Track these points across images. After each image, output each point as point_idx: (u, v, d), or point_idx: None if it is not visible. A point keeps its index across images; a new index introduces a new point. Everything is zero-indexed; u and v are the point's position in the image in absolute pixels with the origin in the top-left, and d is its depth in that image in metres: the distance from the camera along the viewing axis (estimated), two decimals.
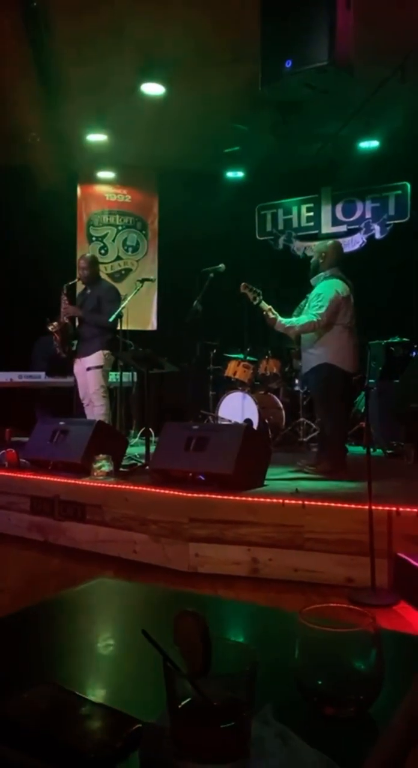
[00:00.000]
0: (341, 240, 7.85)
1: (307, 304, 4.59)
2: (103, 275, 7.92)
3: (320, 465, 4.52)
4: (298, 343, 4.77)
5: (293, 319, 4.59)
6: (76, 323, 5.63)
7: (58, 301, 5.61)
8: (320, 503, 3.43)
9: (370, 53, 4.62)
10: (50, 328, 5.55)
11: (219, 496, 3.64)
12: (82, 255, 5.84)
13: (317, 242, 5.03)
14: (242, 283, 4.71)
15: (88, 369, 5.43)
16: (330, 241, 4.92)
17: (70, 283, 5.73)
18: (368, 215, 7.85)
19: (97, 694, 0.84)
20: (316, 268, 4.62)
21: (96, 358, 5.40)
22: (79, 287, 5.97)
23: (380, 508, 3.19)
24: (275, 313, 4.58)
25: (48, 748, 0.68)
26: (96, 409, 5.42)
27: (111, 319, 5.36)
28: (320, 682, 0.73)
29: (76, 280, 5.78)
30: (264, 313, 4.59)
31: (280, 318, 4.56)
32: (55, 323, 5.56)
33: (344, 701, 0.73)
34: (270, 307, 4.58)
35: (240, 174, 7.92)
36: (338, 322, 4.44)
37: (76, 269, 5.78)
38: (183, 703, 0.62)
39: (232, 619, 1.16)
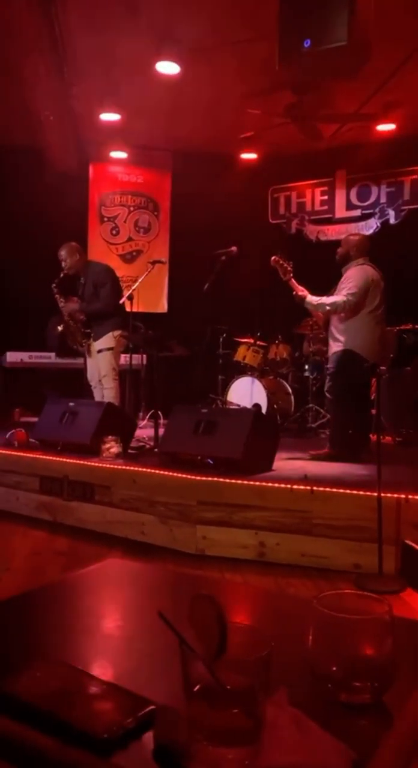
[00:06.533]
0: (354, 225, 7.85)
1: (337, 289, 4.57)
2: (113, 255, 7.94)
3: (325, 449, 4.56)
4: (326, 329, 4.75)
5: (324, 298, 4.54)
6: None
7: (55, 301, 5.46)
8: (328, 489, 3.42)
9: (389, 34, 4.53)
10: (60, 328, 5.50)
11: (227, 480, 3.64)
12: (61, 246, 5.48)
13: (345, 235, 5.09)
14: (273, 257, 4.62)
15: (99, 351, 5.41)
16: (359, 233, 5.06)
17: (57, 280, 5.45)
18: (382, 200, 7.75)
19: (108, 674, 0.84)
20: (346, 257, 4.58)
21: (107, 340, 5.37)
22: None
23: (389, 495, 3.18)
24: (304, 290, 4.55)
25: (59, 726, 0.68)
26: (107, 391, 5.41)
27: (121, 301, 5.33)
28: (334, 668, 0.73)
29: (63, 273, 5.44)
30: (293, 292, 4.56)
31: (310, 296, 4.53)
32: (58, 327, 5.48)
33: (359, 688, 0.73)
34: (303, 290, 4.54)
35: (254, 155, 7.83)
36: (365, 308, 4.41)
37: (78, 253, 5.50)
38: (197, 686, 0.62)
39: (245, 603, 1.15)
